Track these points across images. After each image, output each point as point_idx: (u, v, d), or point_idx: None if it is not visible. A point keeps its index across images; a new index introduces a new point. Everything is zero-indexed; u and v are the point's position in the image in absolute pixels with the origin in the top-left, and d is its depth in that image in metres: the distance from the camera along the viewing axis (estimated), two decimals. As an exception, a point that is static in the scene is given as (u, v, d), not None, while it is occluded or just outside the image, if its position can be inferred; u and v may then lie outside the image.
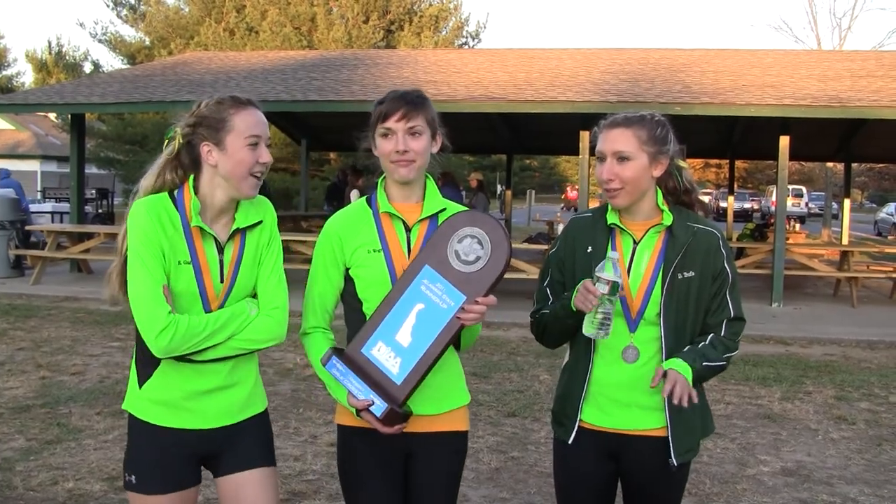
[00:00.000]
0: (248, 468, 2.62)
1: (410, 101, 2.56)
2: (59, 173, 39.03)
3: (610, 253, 2.54)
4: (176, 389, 2.54)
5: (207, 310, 2.52)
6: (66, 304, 11.56)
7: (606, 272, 2.49)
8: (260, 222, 2.61)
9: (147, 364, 2.55)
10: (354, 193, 14.45)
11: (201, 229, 2.52)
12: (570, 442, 2.73)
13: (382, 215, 2.62)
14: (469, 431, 2.78)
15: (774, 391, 7.41)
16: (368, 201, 2.68)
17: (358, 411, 2.48)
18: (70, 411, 6.27)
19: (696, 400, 2.51)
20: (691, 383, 2.53)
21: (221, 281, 2.54)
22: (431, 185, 2.68)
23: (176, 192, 2.55)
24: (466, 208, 2.70)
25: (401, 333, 2.50)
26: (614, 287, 2.48)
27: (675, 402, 2.48)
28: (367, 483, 2.61)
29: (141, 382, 2.57)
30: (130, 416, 2.61)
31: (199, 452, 2.61)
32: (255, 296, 2.63)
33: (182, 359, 2.50)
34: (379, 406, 2.44)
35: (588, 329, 2.54)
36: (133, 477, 2.58)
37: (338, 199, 15.22)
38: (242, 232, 2.59)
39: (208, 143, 2.50)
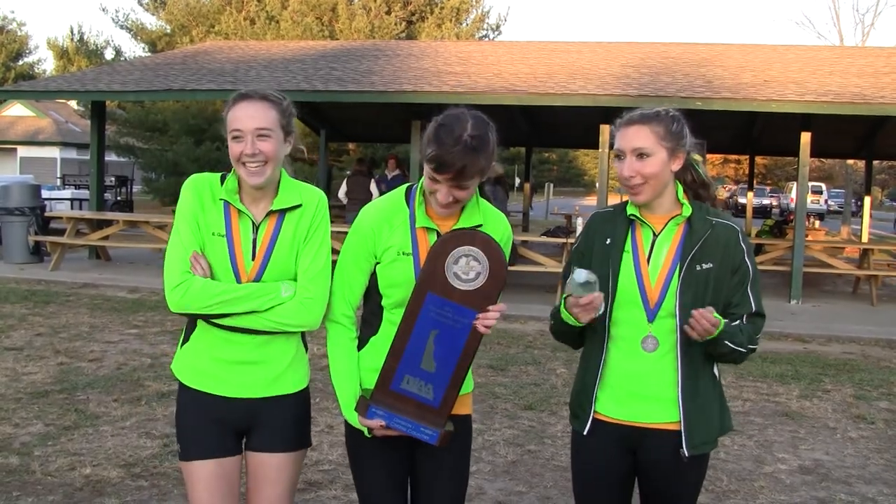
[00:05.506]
0: (270, 450, 2.72)
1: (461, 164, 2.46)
2: (79, 160, 39.30)
3: (574, 274, 2.51)
4: (205, 354, 2.68)
5: (239, 283, 2.63)
6: (84, 291, 11.63)
7: (573, 283, 2.49)
8: (299, 206, 2.69)
9: (189, 327, 2.73)
10: (373, 185, 14.53)
11: (238, 208, 2.65)
12: (585, 434, 2.73)
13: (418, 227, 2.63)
14: (471, 415, 2.85)
15: (793, 389, 7.36)
16: (407, 196, 2.67)
17: None
18: (87, 398, 6.31)
19: (710, 330, 2.50)
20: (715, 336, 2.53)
21: (253, 258, 2.64)
22: (473, 201, 2.66)
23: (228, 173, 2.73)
24: (504, 218, 2.74)
25: (425, 362, 2.57)
26: (588, 286, 2.48)
27: (692, 326, 2.50)
28: (378, 459, 2.68)
29: (182, 343, 2.76)
30: (178, 380, 2.77)
31: (230, 421, 2.70)
32: None
33: (211, 323, 2.63)
34: (432, 436, 2.56)
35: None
36: (178, 446, 2.74)
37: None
38: (280, 214, 2.68)
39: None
